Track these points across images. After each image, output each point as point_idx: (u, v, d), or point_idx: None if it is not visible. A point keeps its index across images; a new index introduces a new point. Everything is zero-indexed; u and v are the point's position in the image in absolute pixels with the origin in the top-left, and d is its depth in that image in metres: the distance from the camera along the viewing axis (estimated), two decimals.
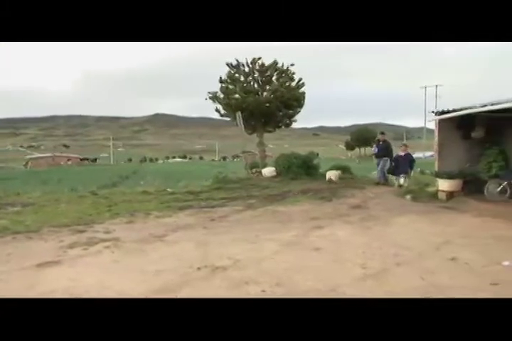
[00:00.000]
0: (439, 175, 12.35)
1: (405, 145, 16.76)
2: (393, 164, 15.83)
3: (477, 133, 12.40)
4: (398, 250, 6.75)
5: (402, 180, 14.94)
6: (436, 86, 65.76)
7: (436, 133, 13.04)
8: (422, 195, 12.32)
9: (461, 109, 11.35)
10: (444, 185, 12.14)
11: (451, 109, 12.00)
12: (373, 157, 18.80)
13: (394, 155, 16.28)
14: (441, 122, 12.65)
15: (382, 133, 18.35)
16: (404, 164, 15.44)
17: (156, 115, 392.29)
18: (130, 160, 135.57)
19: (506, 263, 5.97)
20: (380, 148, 16.81)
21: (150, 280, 5.34)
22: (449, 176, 12.04)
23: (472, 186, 12.26)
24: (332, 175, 16.93)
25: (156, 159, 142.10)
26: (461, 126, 12.50)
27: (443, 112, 12.36)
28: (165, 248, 7.07)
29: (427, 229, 8.57)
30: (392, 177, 16.13)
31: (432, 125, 13.83)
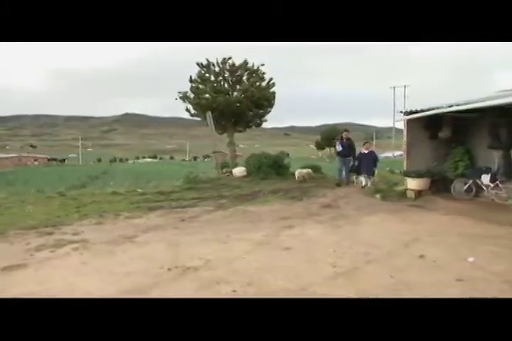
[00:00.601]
0: (408, 174, 12.53)
1: (369, 143, 16.02)
2: (356, 163, 15.04)
3: (444, 133, 12.62)
4: (368, 248, 6.82)
5: (363, 181, 14.48)
6: (405, 86, 66.90)
7: (404, 133, 13.22)
8: (391, 194, 12.47)
9: (428, 110, 11.53)
10: (412, 183, 12.33)
11: (419, 109, 12.19)
12: (336, 156, 17.07)
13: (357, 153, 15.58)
14: (409, 122, 12.83)
15: (347, 130, 16.92)
16: (368, 162, 14.68)
17: (126, 115, 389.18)
18: (99, 160, 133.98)
19: (471, 259, 6.13)
20: (344, 146, 15.68)
21: (120, 281, 5.28)
22: (418, 175, 12.24)
23: (439, 185, 12.49)
24: (298, 173, 16.91)
25: (126, 159, 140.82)
26: (429, 126, 12.72)
27: (411, 112, 12.55)
28: (135, 249, 7.00)
29: (396, 228, 8.69)
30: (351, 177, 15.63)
31: (400, 125, 13.99)
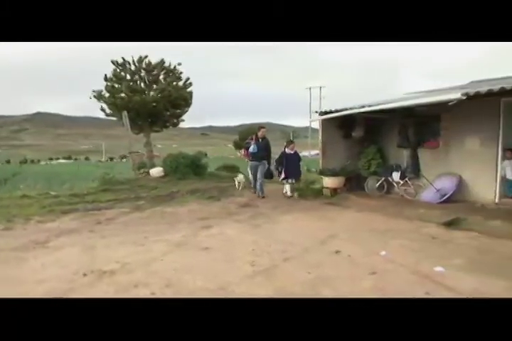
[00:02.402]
0: (324, 172, 12.85)
1: (293, 142, 13.57)
2: (278, 166, 13.12)
3: (357, 133, 13.09)
4: (286, 246, 6.95)
5: (288, 189, 12.87)
6: (320, 87, 68.61)
7: (320, 133, 13.54)
8: (308, 193, 12.75)
9: (341, 110, 11.90)
10: (328, 182, 12.67)
11: (333, 109, 12.55)
12: (248, 159, 13.40)
13: (274, 154, 13.68)
14: (324, 122, 13.15)
15: (263, 127, 13.78)
16: (296, 165, 13.16)
17: (38, 114, 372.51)
18: (8, 161, 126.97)
19: (383, 253, 6.43)
20: (260, 147, 12.94)
21: (31, 290, 5.01)
22: (333, 173, 12.60)
23: (354, 182, 12.94)
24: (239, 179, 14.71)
25: (38, 160, 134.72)
26: (343, 125, 13.13)
27: (326, 112, 12.88)
28: (48, 255, 6.69)
29: (313, 225, 8.91)
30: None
31: (316, 125, 14.15)
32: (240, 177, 14.41)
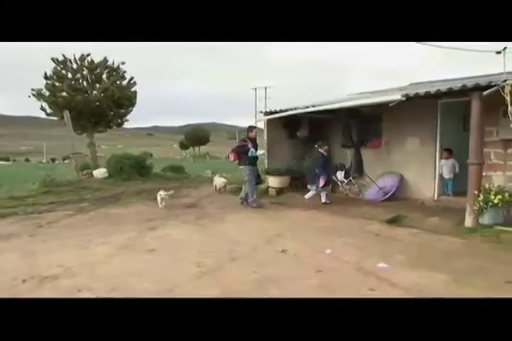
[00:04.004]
0: (269, 172, 12.93)
1: (326, 144, 11.59)
2: (321, 172, 11.02)
3: (302, 133, 13.26)
4: (233, 246, 6.96)
5: (324, 195, 11.24)
6: (266, 87, 68.99)
7: (265, 133, 13.62)
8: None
9: (286, 110, 12.02)
10: (274, 181, 12.76)
11: (278, 109, 12.66)
12: (244, 164, 11.21)
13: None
14: (269, 122, 13.25)
15: (254, 127, 11.85)
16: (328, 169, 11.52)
17: None
18: None
19: (329, 251, 6.54)
20: (256, 149, 11.31)
21: None
22: (278, 173, 12.69)
23: (299, 182, 13.08)
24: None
25: None
26: (288, 125, 13.28)
27: (271, 112, 12.98)
28: None
29: (259, 225, 8.94)
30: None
31: (262, 125, 14.19)
32: (163, 192, 11.24)
